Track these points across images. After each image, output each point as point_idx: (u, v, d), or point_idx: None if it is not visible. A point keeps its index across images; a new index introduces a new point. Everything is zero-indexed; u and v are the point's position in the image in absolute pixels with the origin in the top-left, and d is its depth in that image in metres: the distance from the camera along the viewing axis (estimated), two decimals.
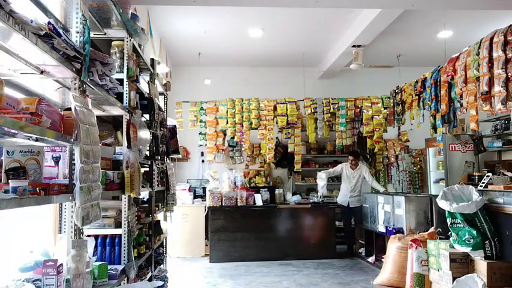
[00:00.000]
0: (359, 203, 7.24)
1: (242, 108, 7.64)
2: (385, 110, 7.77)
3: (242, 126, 7.65)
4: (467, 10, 6.30)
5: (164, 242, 5.08)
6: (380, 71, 8.58)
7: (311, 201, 7.35)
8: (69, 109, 2.10)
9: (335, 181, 8.62)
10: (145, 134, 3.60)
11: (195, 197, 7.92)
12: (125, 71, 3.25)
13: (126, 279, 2.97)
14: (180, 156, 7.83)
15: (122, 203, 3.14)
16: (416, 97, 6.48)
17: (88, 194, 2.13)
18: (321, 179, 7.40)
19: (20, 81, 2.34)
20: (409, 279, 4.82)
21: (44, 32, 1.79)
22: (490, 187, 4.52)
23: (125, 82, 3.24)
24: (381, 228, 6.26)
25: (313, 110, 7.74)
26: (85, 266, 2.19)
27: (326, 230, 7.09)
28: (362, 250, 7.07)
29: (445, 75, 5.42)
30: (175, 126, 5.77)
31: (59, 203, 2.75)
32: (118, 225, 3.13)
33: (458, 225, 4.32)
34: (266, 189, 7.31)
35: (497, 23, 5.77)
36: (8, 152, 1.94)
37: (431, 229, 5.07)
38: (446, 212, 4.44)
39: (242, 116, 7.63)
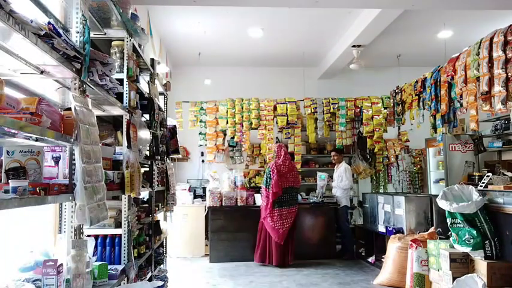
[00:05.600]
0: (343, 202, 7.23)
1: (242, 108, 7.64)
2: (385, 110, 7.78)
3: (242, 126, 7.66)
4: (467, 10, 6.30)
5: (164, 242, 5.09)
6: (380, 71, 8.58)
7: (311, 201, 7.35)
8: (69, 109, 2.10)
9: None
10: (145, 134, 3.60)
11: (195, 197, 7.93)
12: (125, 71, 3.25)
13: (126, 279, 2.97)
14: (180, 156, 7.83)
15: (122, 203, 3.14)
16: (416, 97, 6.49)
17: (93, 194, 2.13)
18: (321, 179, 7.40)
19: (20, 81, 2.34)
20: (409, 279, 4.82)
21: (44, 32, 1.79)
22: (490, 187, 4.52)
23: (125, 82, 3.24)
24: (381, 228, 6.26)
25: (313, 110, 7.75)
26: (85, 266, 2.19)
27: (326, 230, 7.08)
28: (362, 250, 7.07)
29: (445, 75, 5.43)
30: (175, 126, 5.77)
31: (59, 203, 2.75)
32: (118, 225, 3.13)
33: (458, 225, 4.32)
34: None
35: (497, 23, 5.77)
36: (8, 152, 1.94)
37: (431, 229, 5.07)
38: (446, 212, 4.44)
39: (242, 116, 7.64)
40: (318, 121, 7.80)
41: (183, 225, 7.28)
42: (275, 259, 6.38)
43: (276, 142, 7.91)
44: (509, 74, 4.07)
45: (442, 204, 4.43)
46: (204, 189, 8.03)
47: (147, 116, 4.14)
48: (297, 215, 6.55)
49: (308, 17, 6.67)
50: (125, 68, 3.25)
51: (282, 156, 6.61)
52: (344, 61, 8.03)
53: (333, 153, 7.70)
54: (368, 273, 6.02)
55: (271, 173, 6.51)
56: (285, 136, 8.04)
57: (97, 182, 2.20)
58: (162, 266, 4.85)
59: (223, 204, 7.01)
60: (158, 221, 4.72)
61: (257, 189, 7.33)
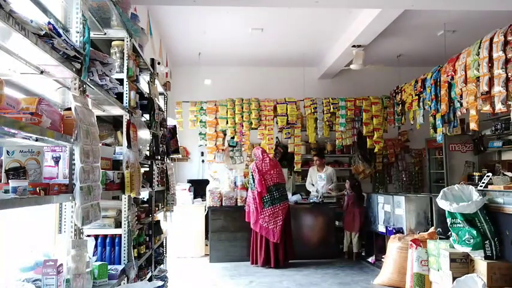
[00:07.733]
0: None
1: (242, 108, 7.64)
2: (385, 110, 7.78)
3: (242, 126, 7.66)
4: (467, 10, 6.29)
5: (164, 242, 5.09)
6: (380, 71, 8.58)
7: (311, 201, 7.35)
8: (69, 109, 2.10)
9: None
10: (145, 134, 3.60)
11: (195, 197, 7.92)
12: (125, 71, 3.25)
13: (126, 279, 2.97)
14: (180, 156, 7.83)
15: (122, 203, 3.14)
16: (416, 97, 6.49)
17: (88, 194, 2.13)
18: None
19: (20, 81, 2.34)
20: (409, 279, 4.82)
21: (44, 32, 1.79)
22: (490, 187, 4.52)
23: (125, 82, 3.24)
24: (381, 228, 6.26)
25: (313, 110, 7.75)
26: (85, 266, 2.19)
27: (326, 230, 7.08)
28: (362, 250, 7.07)
29: (445, 75, 5.43)
30: (175, 126, 5.77)
31: (59, 203, 2.75)
32: (118, 225, 3.13)
33: (458, 225, 4.32)
34: None
35: (497, 23, 5.76)
36: (8, 152, 1.94)
37: (431, 229, 5.08)
38: (446, 212, 4.44)
39: (242, 116, 7.64)
40: (318, 121, 7.80)
41: (183, 225, 7.27)
42: (273, 260, 6.35)
43: (276, 142, 7.92)
44: (509, 74, 4.08)
45: (442, 204, 4.43)
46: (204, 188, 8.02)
47: (147, 116, 4.14)
48: (288, 211, 6.52)
49: (308, 17, 6.67)
50: (125, 68, 3.25)
51: (262, 158, 6.61)
52: (344, 61, 8.02)
53: (315, 158, 7.73)
54: (368, 273, 6.02)
55: (253, 173, 6.55)
56: (285, 136, 8.05)
57: (93, 181, 2.20)
58: (162, 266, 4.85)
59: (223, 204, 7.02)
60: (158, 221, 4.72)
61: None
